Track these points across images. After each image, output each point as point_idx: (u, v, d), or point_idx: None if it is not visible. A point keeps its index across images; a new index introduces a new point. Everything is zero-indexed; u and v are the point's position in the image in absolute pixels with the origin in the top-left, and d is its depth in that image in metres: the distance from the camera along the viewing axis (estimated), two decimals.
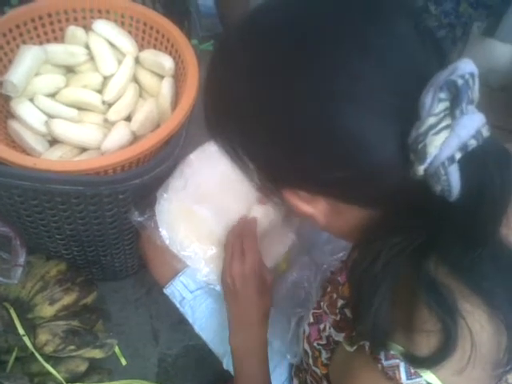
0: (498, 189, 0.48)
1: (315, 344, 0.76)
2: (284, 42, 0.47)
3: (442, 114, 0.44)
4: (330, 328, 0.71)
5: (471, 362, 0.48)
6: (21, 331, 1.12)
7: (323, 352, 0.73)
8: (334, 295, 0.74)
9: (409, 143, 0.45)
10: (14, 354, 1.14)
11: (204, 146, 1.03)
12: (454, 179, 0.45)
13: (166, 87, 1.13)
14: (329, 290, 0.79)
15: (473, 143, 0.44)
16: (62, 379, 1.16)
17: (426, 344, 0.49)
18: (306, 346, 0.81)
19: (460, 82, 0.43)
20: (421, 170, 0.45)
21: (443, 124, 0.44)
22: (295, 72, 0.46)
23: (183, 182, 0.99)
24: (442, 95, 0.43)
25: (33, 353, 1.14)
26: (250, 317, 0.88)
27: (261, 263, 0.89)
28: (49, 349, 1.14)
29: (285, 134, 0.49)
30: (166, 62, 1.14)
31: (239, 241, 0.91)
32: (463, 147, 0.44)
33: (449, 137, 0.44)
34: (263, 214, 0.96)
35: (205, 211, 0.98)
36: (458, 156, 0.44)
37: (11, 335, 1.12)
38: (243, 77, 0.50)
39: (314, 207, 0.55)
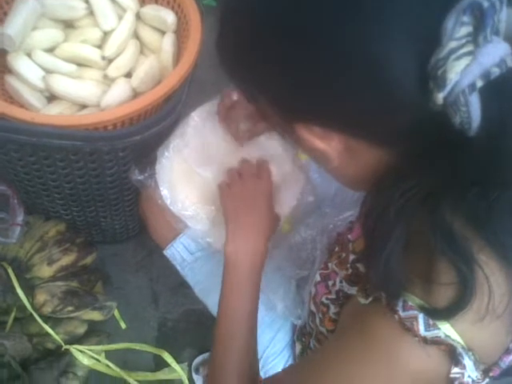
0: None
1: (323, 299, 0.74)
2: None
3: (464, 40, 0.41)
4: (341, 282, 0.70)
5: (489, 314, 0.47)
6: (19, 291, 1.11)
7: (331, 307, 0.72)
8: (343, 254, 0.73)
9: (428, 70, 0.43)
10: (13, 314, 1.14)
11: (207, 105, 0.99)
12: (474, 109, 0.42)
13: (167, 43, 1.09)
14: (336, 250, 0.77)
15: (496, 71, 0.42)
16: (60, 340, 1.16)
17: (443, 295, 0.48)
18: (312, 307, 0.79)
19: (485, 4, 0.40)
20: (440, 97, 0.42)
21: (465, 50, 0.41)
22: None
23: (185, 141, 0.96)
24: (465, 18, 0.41)
25: (31, 314, 1.13)
26: (255, 223, 0.82)
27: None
28: (47, 309, 1.13)
29: (302, 60, 0.46)
30: (168, 17, 1.10)
31: (252, 164, 0.91)
32: (485, 74, 0.42)
33: (470, 63, 0.41)
34: None
35: (206, 172, 0.96)
36: (479, 84, 0.42)
37: (10, 295, 1.11)
38: (258, 3, 0.48)
39: (327, 144, 0.52)
